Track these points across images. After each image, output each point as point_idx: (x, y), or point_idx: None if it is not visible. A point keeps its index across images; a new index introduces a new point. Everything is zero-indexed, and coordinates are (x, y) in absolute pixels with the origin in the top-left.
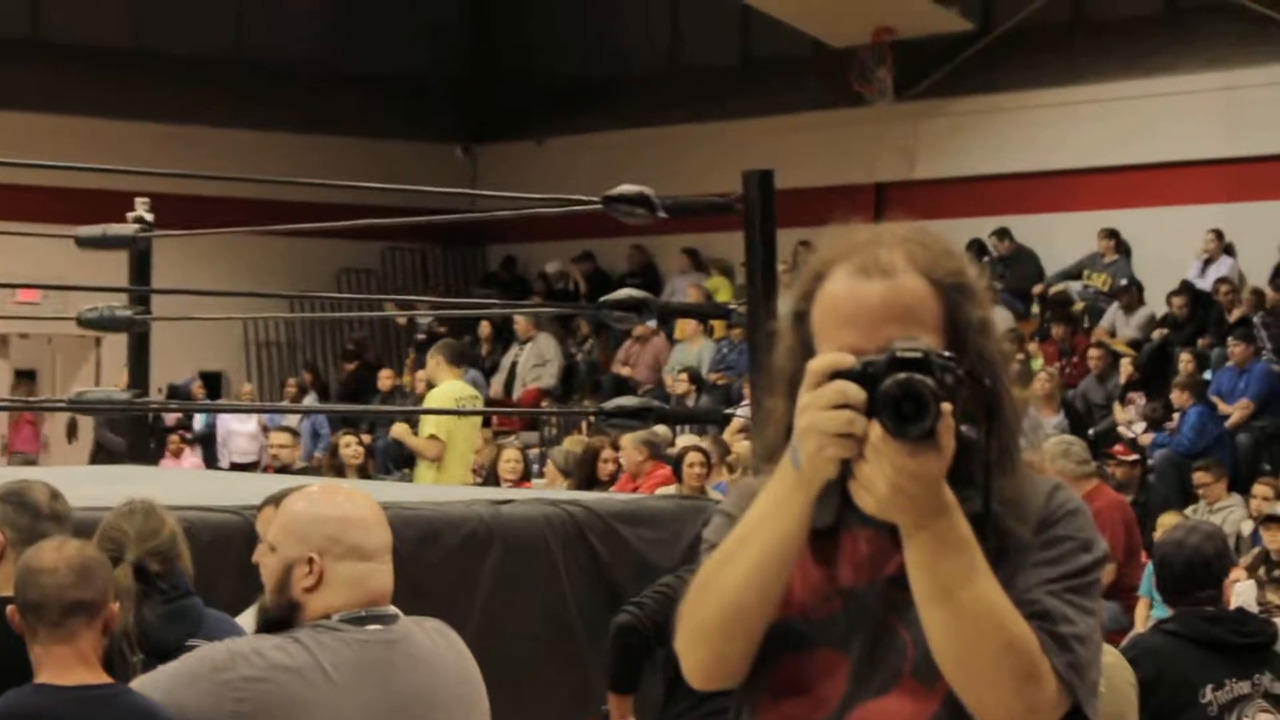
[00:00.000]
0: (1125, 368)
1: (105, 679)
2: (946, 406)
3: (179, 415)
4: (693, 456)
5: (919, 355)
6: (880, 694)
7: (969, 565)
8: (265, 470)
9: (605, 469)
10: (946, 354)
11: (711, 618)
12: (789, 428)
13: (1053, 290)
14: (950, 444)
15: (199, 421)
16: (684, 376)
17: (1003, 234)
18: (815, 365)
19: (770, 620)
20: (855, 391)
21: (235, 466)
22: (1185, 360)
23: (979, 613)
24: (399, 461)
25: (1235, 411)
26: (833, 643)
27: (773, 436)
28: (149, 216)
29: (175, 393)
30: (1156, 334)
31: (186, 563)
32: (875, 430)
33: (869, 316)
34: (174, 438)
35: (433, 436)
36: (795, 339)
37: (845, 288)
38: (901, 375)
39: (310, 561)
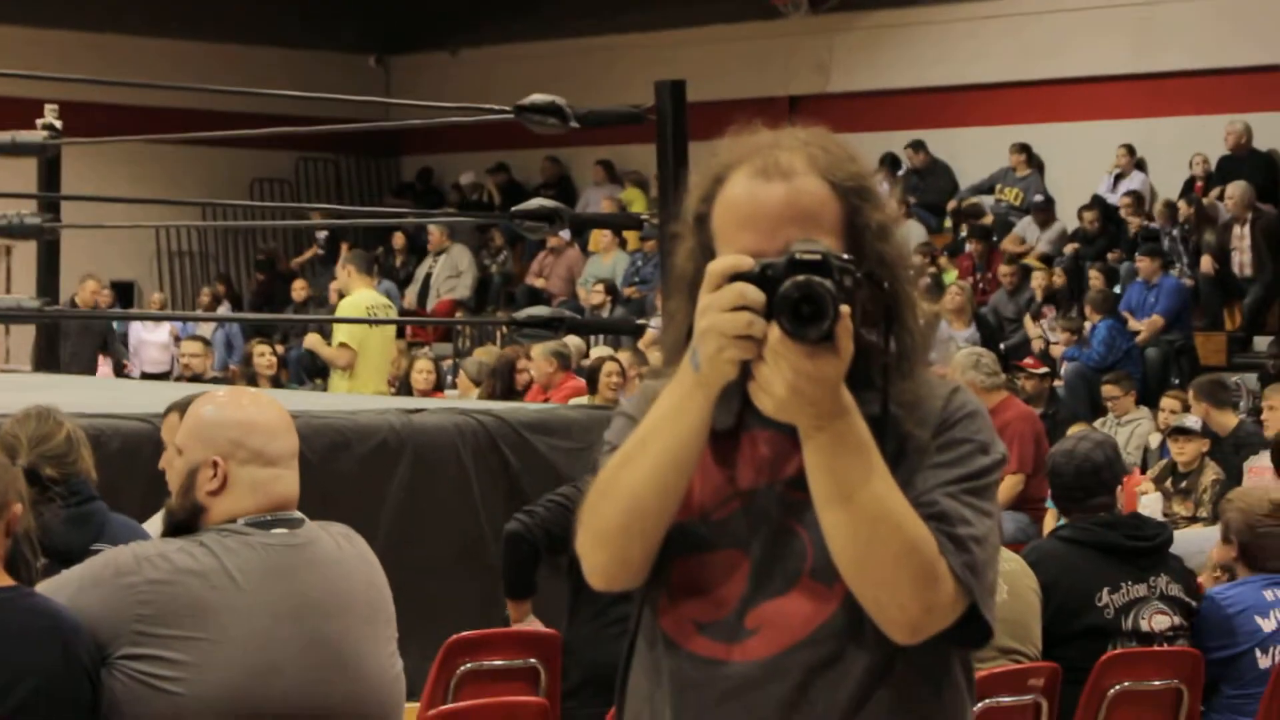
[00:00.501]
0: (1038, 281)
1: (8, 581)
2: (845, 309)
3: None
4: (609, 367)
5: (818, 257)
6: (779, 594)
7: (867, 467)
8: (177, 379)
9: (521, 379)
10: (845, 256)
11: (612, 519)
12: (690, 330)
13: (965, 204)
14: (849, 346)
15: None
16: (599, 288)
17: (918, 146)
18: (714, 267)
19: (671, 522)
20: (754, 293)
21: (146, 376)
22: (1094, 276)
23: (877, 514)
24: (312, 372)
25: (1145, 328)
26: (732, 543)
27: (674, 338)
28: (58, 124)
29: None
30: (1068, 249)
31: (88, 468)
32: (774, 332)
33: (768, 218)
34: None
35: (344, 345)
36: (695, 241)
37: (745, 189)
38: (800, 277)
39: (215, 465)
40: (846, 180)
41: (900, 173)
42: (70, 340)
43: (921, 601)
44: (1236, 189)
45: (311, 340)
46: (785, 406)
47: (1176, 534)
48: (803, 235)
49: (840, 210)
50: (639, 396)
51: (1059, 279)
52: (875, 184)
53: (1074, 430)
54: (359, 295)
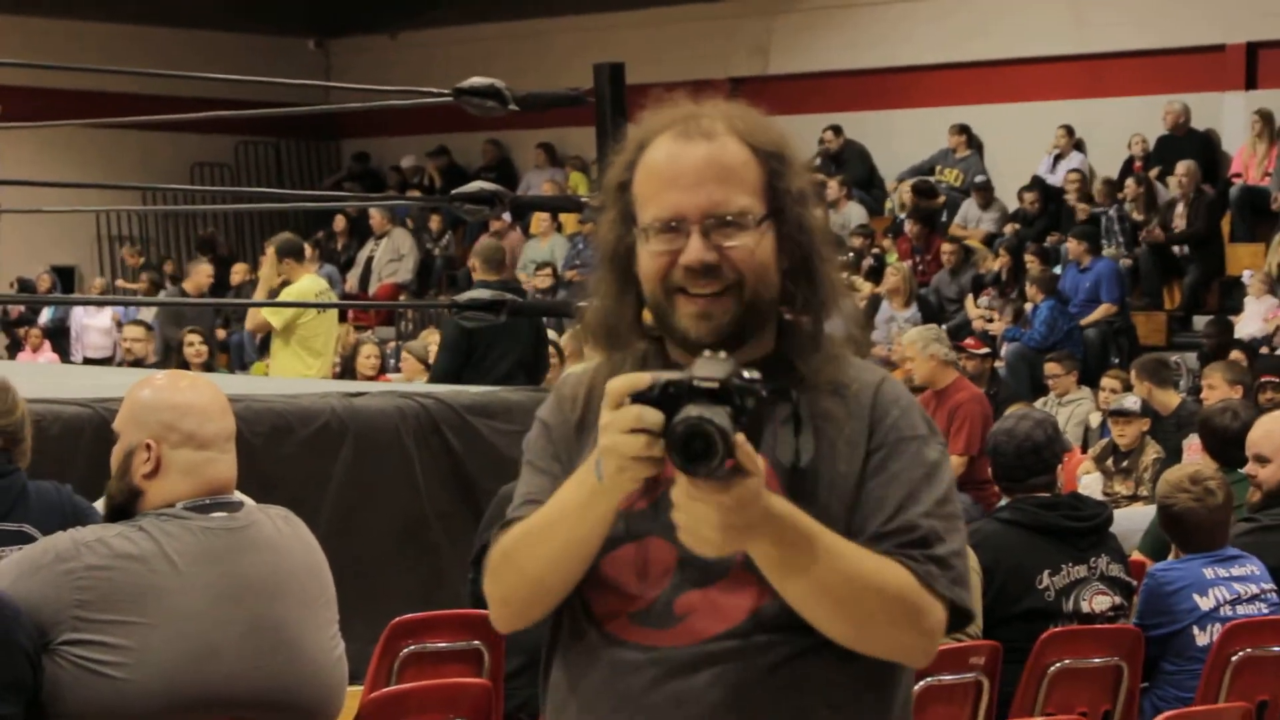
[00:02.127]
0: (983, 262)
1: None
2: (739, 437)
3: (25, 310)
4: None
5: (715, 385)
6: (709, 582)
7: (821, 548)
8: (119, 365)
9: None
10: (748, 375)
11: (515, 589)
12: (616, 304)
13: (915, 181)
14: (758, 465)
15: (45, 315)
16: (545, 272)
17: (837, 131)
18: (614, 386)
19: (573, 587)
20: (652, 416)
21: (89, 362)
22: (1030, 260)
23: (850, 586)
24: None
25: (1098, 313)
26: (659, 531)
27: (598, 313)
28: None
29: (25, 287)
30: (1008, 229)
31: (27, 449)
32: (681, 481)
33: (691, 176)
34: (34, 332)
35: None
36: (617, 210)
37: (666, 151)
38: (693, 413)
39: (148, 448)
40: (767, 145)
41: (816, 157)
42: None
43: (921, 634)
44: (1185, 167)
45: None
46: (725, 546)
47: (1118, 513)
48: (723, 193)
49: (760, 173)
50: (553, 399)
51: (1001, 260)
52: (795, 152)
53: (1013, 409)
54: (305, 281)
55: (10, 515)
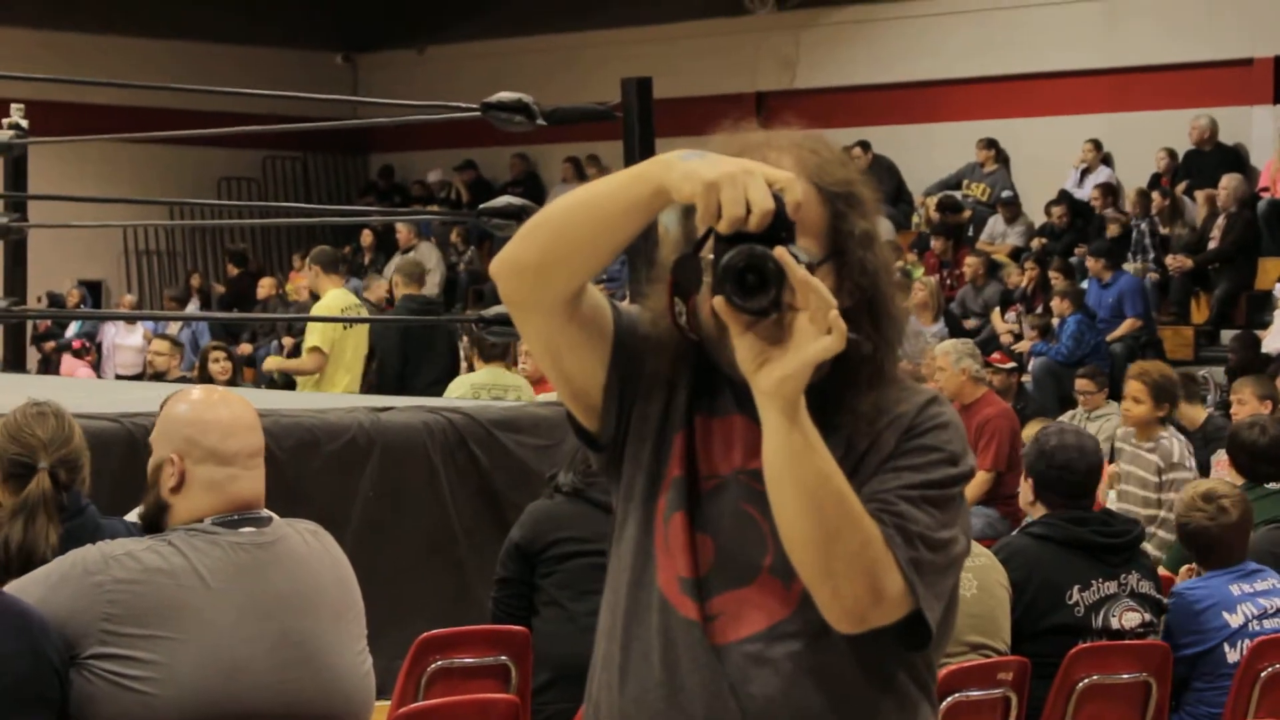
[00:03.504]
0: (1007, 276)
1: None
2: (802, 273)
3: (52, 326)
4: None
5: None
6: (738, 585)
7: (825, 457)
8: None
9: None
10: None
11: (542, 252)
12: (670, 320)
13: (940, 197)
14: (824, 296)
15: (72, 329)
16: None
17: (865, 146)
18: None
19: (595, 270)
20: (764, 203)
21: (120, 379)
22: (1054, 276)
23: (834, 504)
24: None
25: (1123, 327)
26: (703, 526)
27: (650, 319)
28: (24, 123)
29: (55, 301)
30: (1035, 243)
31: (87, 475)
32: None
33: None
34: (67, 352)
35: (315, 349)
36: (682, 233)
37: None
38: (744, 246)
39: (173, 462)
40: (834, 185)
41: None
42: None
43: (871, 591)
44: (1228, 181)
45: (273, 363)
46: (794, 378)
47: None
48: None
49: (825, 215)
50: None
51: (1027, 274)
52: (865, 190)
53: (1032, 427)
54: (333, 296)
55: None
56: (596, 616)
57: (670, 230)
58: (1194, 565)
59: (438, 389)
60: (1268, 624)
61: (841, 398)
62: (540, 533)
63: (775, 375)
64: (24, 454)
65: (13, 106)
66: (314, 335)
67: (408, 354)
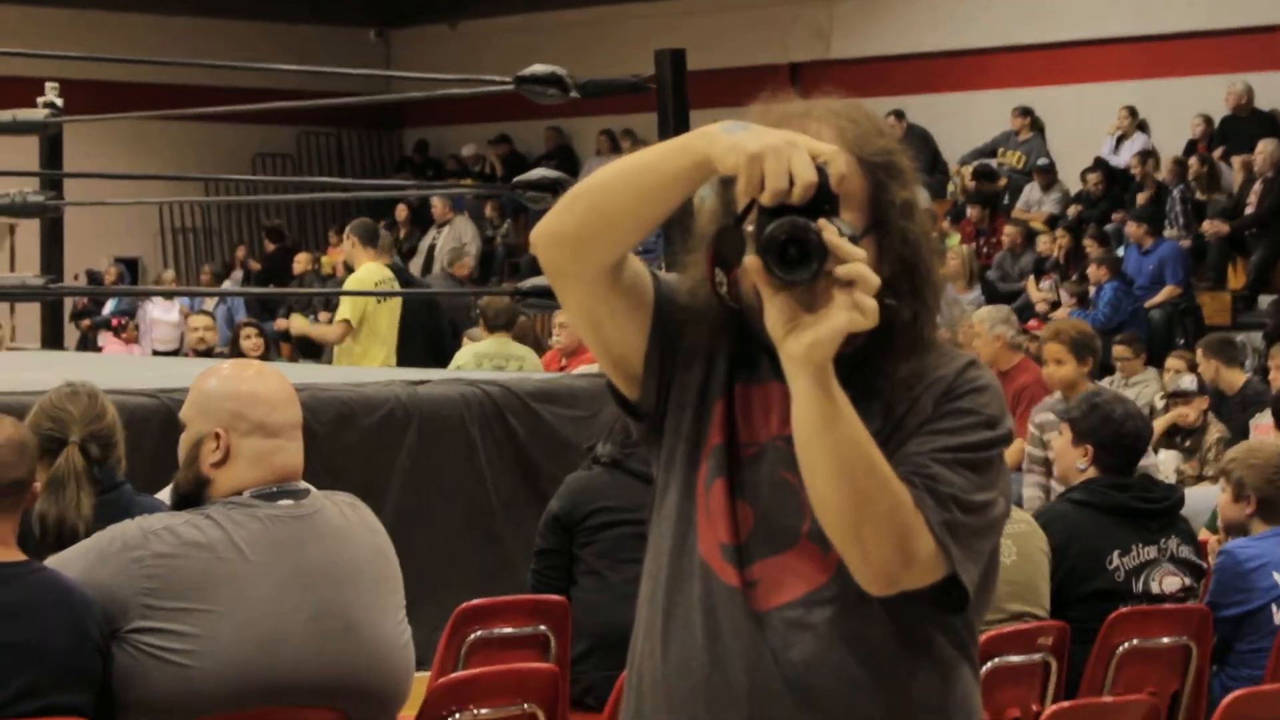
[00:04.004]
0: (1042, 244)
1: (20, 555)
2: (843, 243)
3: (89, 303)
4: None
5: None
6: (777, 552)
7: (855, 421)
8: (185, 355)
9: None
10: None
11: (581, 223)
12: (710, 289)
13: (976, 165)
14: (865, 275)
15: (109, 306)
16: None
17: (899, 115)
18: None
19: (635, 242)
20: (808, 176)
21: (157, 354)
22: (1089, 243)
23: (864, 469)
24: (306, 352)
25: (1162, 294)
26: (741, 493)
27: (689, 288)
28: (59, 101)
29: (94, 279)
30: (1071, 211)
31: (122, 453)
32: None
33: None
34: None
35: (344, 321)
36: (720, 204)
37: None
38: (786, 218)
39: (217, 437)
40: (875, 155)
41: None
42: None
43: (901, 553)
44: (1266, 145)
45: (297, 325)
46: (823, 345)
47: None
48: None
49: (865, 185)
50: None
51: (1063, 241)
52: (904, 160)
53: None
54: (366, 270)
55: None
56: (635, 585)
57: (707, 201)
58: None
59: (419, 359)
60: None
61: (880, 364)
62: (579, 503)
63: (806, 340)
64: (55, 430)
65: (47, 85)
66: (345, 307)
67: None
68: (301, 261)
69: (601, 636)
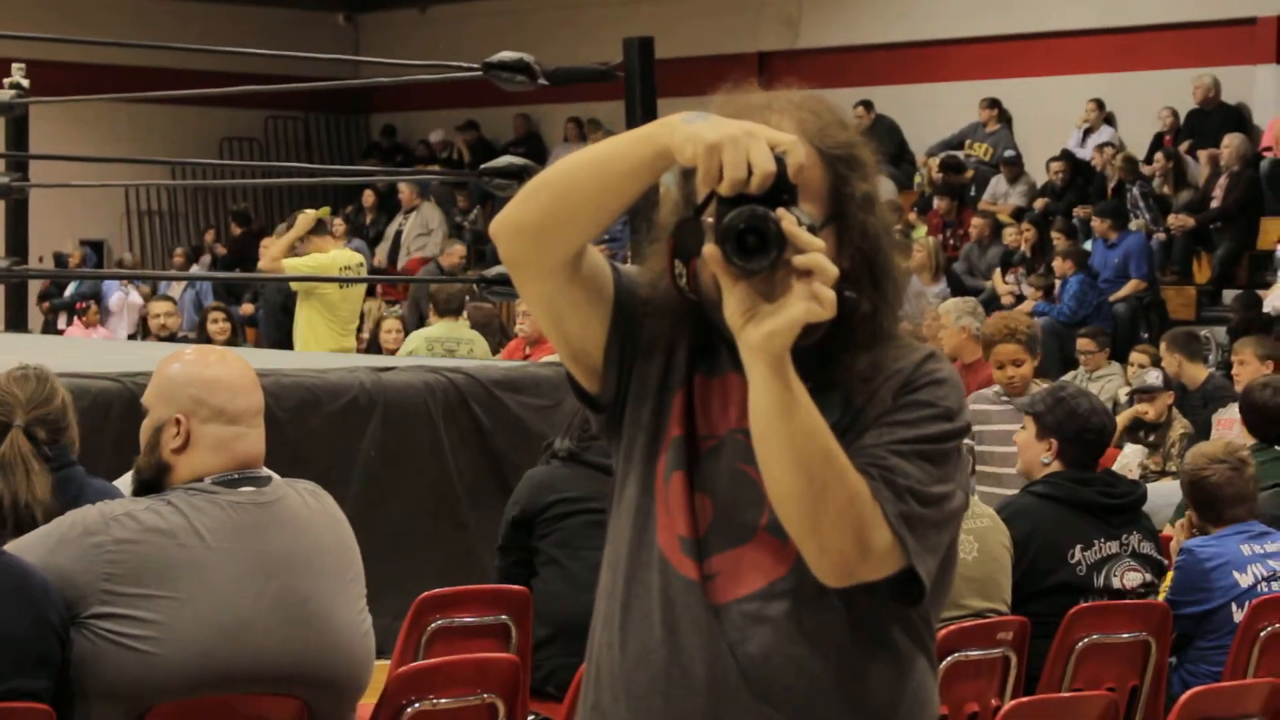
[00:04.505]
0: (1009, 236)
1: None
2: (802, 235)
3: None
4: None
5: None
6: (736, 544)
7: (812, 411)
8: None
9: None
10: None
11: (544, 212)
12: (670, 281)
13: (943, 157)
14: (822, 264)
15: (70, 289)
16: None
17: (868, 106)
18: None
19: (595, 232)
20: (766, 166)
21: (131, 339)
22: (1056, 236)
23: (821, 459)
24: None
25: (1127, 288)
26: (702, 485)
27: (649, 280)
28: (25, 82)
29: (60, 262)
30: (1038, 204)
31: (74, 435)
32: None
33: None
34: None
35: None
36: (681, 195)
37: None
38: (745, 207)
39: (178, 422)
40: (835, 148)
41: None
42: None
43: (858, 545)
44: (1231, 140)
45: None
46: (781, 334)
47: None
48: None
49: (825, 177)
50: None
51: (1028, 234)
52: (865, 153)
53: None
54: (335, 254)
55: (77, 503)
56: (595, 573)
57: (670, 191)
58: (1193, 518)
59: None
60: (1276, 585)
61: (839, 357)
62: (536, 499)
63: (764, 329)
64: (1, 414)
65: (13, 66)
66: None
67: None
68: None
69: (563, 625)
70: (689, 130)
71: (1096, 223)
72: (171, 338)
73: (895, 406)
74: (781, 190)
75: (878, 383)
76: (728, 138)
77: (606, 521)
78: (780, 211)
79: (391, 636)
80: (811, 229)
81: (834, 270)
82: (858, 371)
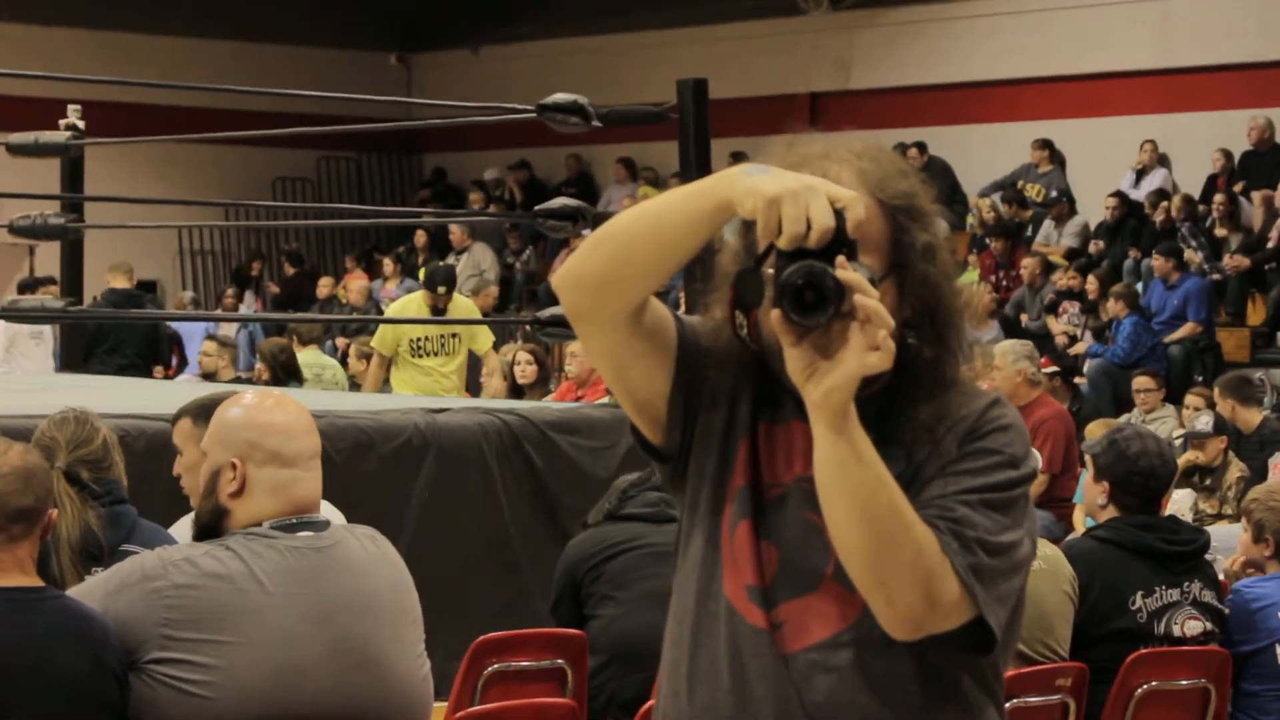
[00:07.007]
0: (1061, 278)
1: (39, 582)
2: (860, 292)
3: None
4: None
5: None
6: (803, 593)
7: (879, 467)
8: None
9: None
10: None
11: (605, 266)
12: (731, 332)
13: (1005, 191)
14: (881, 315)
15: None
16: None
17: (922, 148)
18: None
19: (655, 285)
20: (826, 221)
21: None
22: (1101, 274)
23: (887, 514)
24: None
25: (1183, 330)
26: (767, 534)
27: (711, 330)
28: (81, 124)
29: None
30: (1091, 246)
31: (120, 474)
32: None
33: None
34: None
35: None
36: (741, 245)
37: None
38: (804, 263)
39: (234, 467)
40: (895, 198)
41: None
42: None
43: (926, 599)
44: None
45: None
46: (840, 390)
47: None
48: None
49: (885, 228)
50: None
51: (1073, 276)
52: (925, 202)
53: (1095, 427)
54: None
55: (131, 540)
56: (646, 598)
57: (729, 242)
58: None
59: (134, 369)
60: None
61: (903, 407)
62: (579, 565)
63: (823, 386)
64: (44, 456)
65: (69, 107)
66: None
67: (99, 338)
68: (325, 285)
69: (616, 648)
70: (749, 183)
71: (1159, 262)
72: (210, 377)
73: (960, 455)
74: (840, 245)
75: (941, 431)
76: (787, 191)
77: (654, 552)
78: (839, 260)
79: (447, 679)
80: (872, 282)
81: (890, 319)
82: (921, 421)
